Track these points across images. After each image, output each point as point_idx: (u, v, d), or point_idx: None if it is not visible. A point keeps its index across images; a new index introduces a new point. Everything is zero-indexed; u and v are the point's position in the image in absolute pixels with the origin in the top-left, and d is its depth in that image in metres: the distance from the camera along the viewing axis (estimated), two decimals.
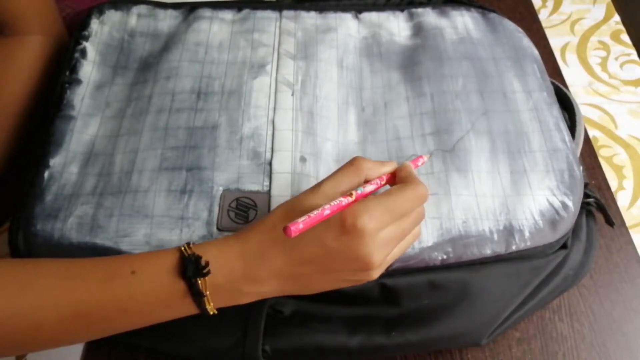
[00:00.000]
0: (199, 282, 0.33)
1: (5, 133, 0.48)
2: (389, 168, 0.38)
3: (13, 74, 0.49)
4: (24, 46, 0.50)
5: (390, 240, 0.33)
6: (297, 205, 0.34)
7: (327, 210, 0.32)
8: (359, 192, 0.34)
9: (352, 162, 0.37)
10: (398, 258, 0.39)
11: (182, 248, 0.34)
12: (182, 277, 0.33)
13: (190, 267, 0.33)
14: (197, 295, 0.33)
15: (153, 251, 0.35)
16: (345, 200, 0.33)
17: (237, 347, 0.40)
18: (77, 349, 0.46)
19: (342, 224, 0.32)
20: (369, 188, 0.36)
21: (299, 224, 0.30)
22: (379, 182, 0.37)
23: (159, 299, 0.34)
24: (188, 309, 0.35)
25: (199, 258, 0.33)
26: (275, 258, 0.34)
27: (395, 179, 0.38)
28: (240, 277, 0.34)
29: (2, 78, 0.49)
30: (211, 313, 0.35)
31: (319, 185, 0.35)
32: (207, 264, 0.33)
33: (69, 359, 0.45)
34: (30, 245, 0.40)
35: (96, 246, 0.40)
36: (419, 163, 0.41)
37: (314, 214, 0.31)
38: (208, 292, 0.33)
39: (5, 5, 0.48)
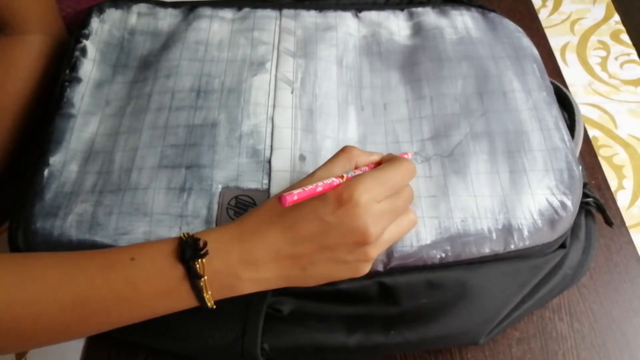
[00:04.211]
0: (197, 264, 0.33)
1: (5, 132, 0.48)
2: (377, 157, 0.39)
3: (13, 73, 0.49)
4: (24, 45, 0.50)
5: (384, 213, 0.34)
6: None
7: (319, 187, 0.33)
8: (349, 174, 0.35)
9: (344, 150, 0.38)
10: (394, 256, 0.40)
11: (182, 234, 0.35)
12: (181, 261, 0.33)
13: (188, 249, 0.33)
14: (195, 278, 0.33)
15: (153, 241, 0.36)
16: (337, 181, 0.34)
17: (236, 345, 0.40)
18: (77, 349, 0.46)
19: (338, 197, 0.33)
20: (358, 173, 0.37)
21: (294, 195, 0.31)
22: (366, 169, 0.38)
23: (158, 286, 0.34)
24: (186, 298, 0.34)
25: (197, 240, 0.34)
26: (273, 237, 0.34)
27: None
28: (238, 260, 0.34)
29: (2, 77, 0.49)
30: (209, 305, 0.35)
31: (313, 172, 0.37)
32: (205, 244, 0.33)
33: (69, 358, 0.45)
34: (29, 243, 0.40)
35: (95, 244, 0.40)
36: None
37: (308, 188, 0.32)
38: (206, 277, 0.33)
39: (5, 4, 0.48)
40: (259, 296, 0.40)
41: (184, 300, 0.35)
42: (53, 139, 0.45)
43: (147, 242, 0.36)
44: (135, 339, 0.44)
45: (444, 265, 0.40)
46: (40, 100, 0.50)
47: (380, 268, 0.40)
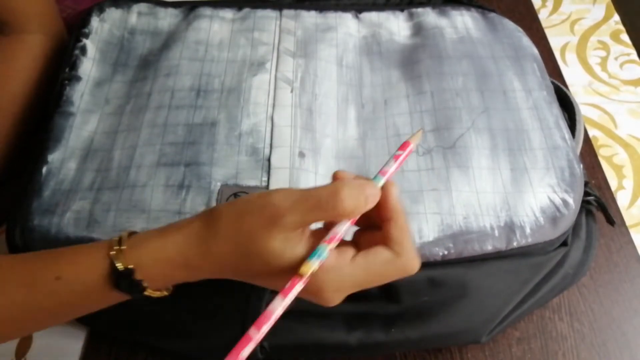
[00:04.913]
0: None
1: (5, 133, 0.48)
2: (370, 204, 0.30)
3: (13, 74, 0.49)
4: (24, 45, 0.50)
5: (355, 289, 0.30)
6: (249, 214, 0.29)
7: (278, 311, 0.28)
8: (320, 259, 0.28)
9: (334, 195, 0.28)
10: None
11: (112, 253, 0.30)
12: (116, 287, 0.30)
13: (123, 282, 0.30)
14: (134, 299, 0.31)
15: (78, 251, 0.32)
16: (298, 283, 0.28)
17: (234, 344, 0.40)
18: (77, 348, 0.45)
19: (306, 288, 0.28)
20: (324, 254, 0.29)
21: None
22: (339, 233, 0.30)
23: (91, 300, 0.31)
24: (127, 298, 0.32)
25: (131, 272, 0.30)
26: (225, 270, 0.31)
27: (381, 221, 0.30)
28: (181, 277, 0.31)
29: (2, 78, 0.49)
30: (162, 295, 0.32)
31: (279, 216, 0.28)
32: (141, 281, 0.30)
33: (69, 357, 0.45)
34: (27, 240, 0.40)
35: (93, 241, 0.39)
36: (405, 152, 0.34)
37: (270, 320, 0.27)
38: (149, 290, 0.31)
39: (6, 4, 0.48)
40: (258, 294, 0.40)
41: (124, 298, 0.32)
42: (52, 137, 0.45)
43: (72, 255, 0.31)
44: (135, 338, 0.44)
45: (445, 263, 0.40)
46: (40, 100, 0.50)
47: None
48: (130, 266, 0.30)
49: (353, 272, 0.29)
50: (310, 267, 0.28)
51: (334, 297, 0.29)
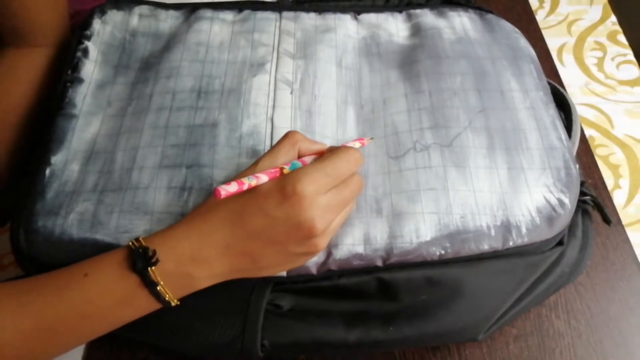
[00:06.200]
0: (150, 272, 0.33)
1: (6, 143, 0.48)
2: (320, 146, 0.39)
3: (16, 85, 0.49)
4: (32, 57, 0.50)
5: (331, 205, 0.34)
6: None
7: (254, 180, 0.33)
8: (289, 168, 0.35)
9: (287, 135, 0.38)
10: (394, 253, 0.40)
11: (130, 243, 0.34)
12: (133, 271, 0.33)
13: (138, 259, 0.33)
14: (151, 286, 0.33)
15: (104, 253, 0.36)
16: (273, 172, 0.35)
17: (235, 342, 0.40)
18: (80, 347, 0.46)
19: (282, 190, 0.33)
20: (299, 165, 0.37)
21: (228, 189, 0.31)
22: (309, 160, 0.38)
23: (115, 297, 0.34)
24: (147, 303, 0.35)
25: (146, 249, 0.34)
26: (221, 234, 0.34)
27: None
28: (189, 259, 0.34)
29: (6, 90, 0.49)
30: (173, 303, 0.35)
31: (256, 161, 0.37)
32: (154, 253, 0.33)
33: (71, 354, 0.45)
34: (31, 242, 0.40)
35: (97, 242, 0.40)
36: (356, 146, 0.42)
37: (245, 181, 0.33)
38: (162, 282, 0.34)
39: (24, 15, 0.48)
40: (259, 292, 0.40)
41: (146, 304, 0.35)
42: (55, 138, 0.45)
43: (99, 256, 0.35)
44: (136, 337, 0.44)
45: (443, 262, 0.41)
46: (43, 105, 0.50)
47: (379, 263, 0.40)
48: (145, 245, 0.34)
49: (316, 164, 0.35)
50: (288, 169, 0.35)
51: (307, 187, 0.33)
